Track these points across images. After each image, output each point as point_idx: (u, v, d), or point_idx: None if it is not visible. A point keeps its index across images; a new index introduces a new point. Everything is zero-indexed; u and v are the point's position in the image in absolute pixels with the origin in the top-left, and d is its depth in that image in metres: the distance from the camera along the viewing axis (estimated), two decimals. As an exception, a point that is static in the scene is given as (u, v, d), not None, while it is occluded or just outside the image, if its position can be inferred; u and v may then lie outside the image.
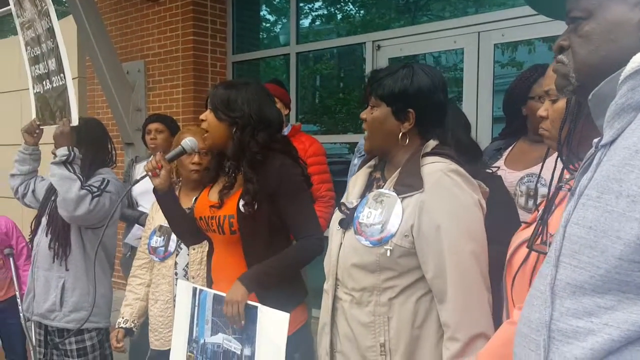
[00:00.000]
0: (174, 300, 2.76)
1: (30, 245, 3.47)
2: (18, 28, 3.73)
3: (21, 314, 3.74)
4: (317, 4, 6.32)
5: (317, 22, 6.40)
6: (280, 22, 6.88)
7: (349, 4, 6.12)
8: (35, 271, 3.27)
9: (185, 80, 6.29)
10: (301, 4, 6.21)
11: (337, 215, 2.00)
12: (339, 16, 6.20)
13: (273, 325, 2.10)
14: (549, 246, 1.22)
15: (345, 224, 1.93)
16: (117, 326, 2.96)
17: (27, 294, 3.35)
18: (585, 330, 0.91)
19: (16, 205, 3.65)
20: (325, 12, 6.29)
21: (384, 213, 1.80)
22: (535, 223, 1.57)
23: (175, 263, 2.85)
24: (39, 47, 3.48)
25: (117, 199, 3.10)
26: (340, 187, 3.79)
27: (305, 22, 6.37)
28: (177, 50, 6.33)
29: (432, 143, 1.89)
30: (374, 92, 1.89)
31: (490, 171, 2.48)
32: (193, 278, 2.77)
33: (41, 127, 3.53)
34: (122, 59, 6.57)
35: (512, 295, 1.57)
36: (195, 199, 2.58)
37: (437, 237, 1.72)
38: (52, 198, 3.29)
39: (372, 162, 2.06)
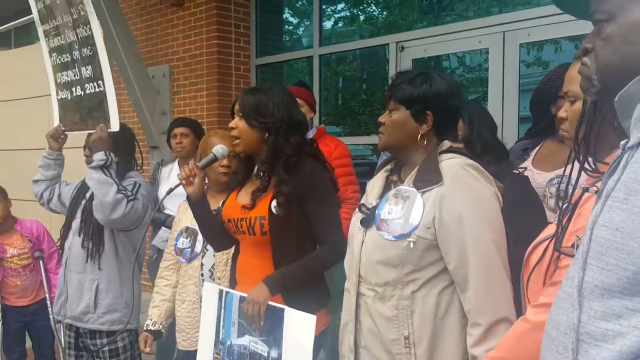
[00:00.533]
0: (201, 301, 2.79)
1: (60, 250, 3.51)
2: (41, 36, 3.78)
3: (51, 317, 3.80)
4: (339, 6, 6.32)
5: (340, 24, 6.40)
6: (303, 25, 6.89)
7: (372, 5, 6.11)
8: (68, 274, 3.31)
9: (209, 84, 6.34)
10: (324, 6, 6.22)
11: (358, 216, 2.06)
12: (362, 17, 6.19)
13: (300, 327, 2.11)
14: (576, 248, 1.22)
15: (366, 223, 2.00)
16: (145, 328, 2.99)
17: (59, 297, 3.39)
18: (614, 332, 0.90)
19: (45, 210, 3.71)
20: (348, 14, 6.28)
21: (404, 208, 1.88)
22: (552, 224, 1.59)
23: (202, 264, 2.88)
24: (69, 54, 3.52)
25: (147, 202, 3.18)
26: (365, 189, 3.79)
27: (328, 24, 6.37)
28: (201, 54, 6.38)
29: (447, 143, 2.00)
30: (393, 96, 2.00)
31: (517, 171, 2.46)
32: (219, 279, 2.80)
33: (66, 133, 3.58)
34: (147, 63, 6.64)
35: (528, 293, 1.59)
36: (223, 202, 2.61)
37: (459, 227, 1.79)
38: (82, 201, 3.35)
39: (388, 167, 2.14)
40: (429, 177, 1.88)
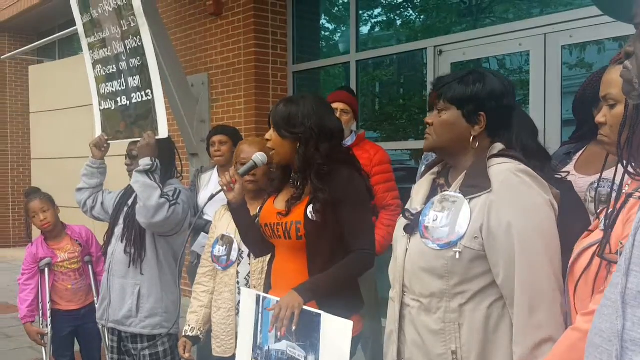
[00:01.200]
0: (236, 309, 2.83)
1: (103, 256, 3.58)
2: (85, 48, 3.89)
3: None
4: (376, 11, 6.31)
5: (377, 29, 6.38)
6: (339, 31, 6.90)
7: (409, 9, 6.08)
8: (111, 279, 3.39)
9: (247, 92, 6.40)
10: (361, 12, 6.22)
11: (401, 222, 1.99)
12: (399, 22, 6.17)
13: (336, 332, 2.10)
14: (620, 255, 1.19)
15: (410, 229, 1.92)
16: (183, 334, 3.02)
17: (102, 301, 3.47)
18: None
19: (89, 218, 3.80)
20: (385, 19, 6.26)
21: (450, 215, 1.79)
22: (597, 230, 1.55)
23: (237, 272, 2.90)
24: (114, 65, 3.63)
25: (188, 208, 3.25)
26: (403, 194, 3.76)
27: (365, 30, 6.37)
28: (239, 62, 6.45)
29: (498, 146, 1.90)
30: (443, 96, 1.90)
31: (560, 176, 2.40)
32: (254, 287, 2.82)
33: (109, 142, 3.68)
34: (186, 72, 6.74)
35: (575, 302, 1.55)
36: (260, 207, 2.64)
37: (507, 236, 1.70)
38: (125, 208, 3.43)
39: (435, 169, 2.05)
40: (477, 183, 1.79)
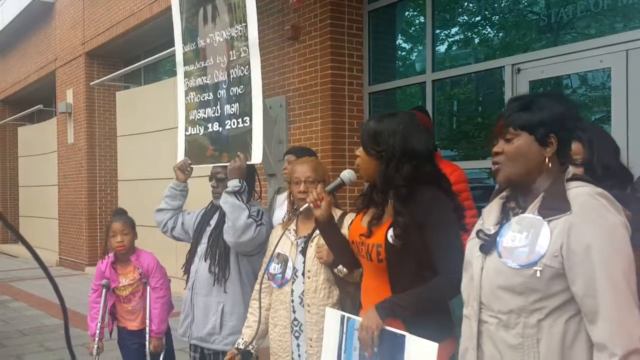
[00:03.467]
0: (291, 326, 2.91)
1: (185, 274, 3.67)
2: (181, 76, 4.10)
3: (146, 342, 3.96)
4: (453, 30, 6.28)
5: (454, 48, 6.35)
6: (416, 50, 6.91)
7: (487, 27, 6.03)
8: (194, 297, 3.50)
9: (323, 113, 6.49)
10: (437, 31, 6.22)
11: (475, 242, 2.03)
12: (476, 40, 6.13)
13: (421, 354, 2.11)
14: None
15: (486, 249, 1.96)
16: (235, 346, 3.08)
17: (184, 319, 3.57)
18: None
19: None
20: (462, 37, 6.23)
21: (530, 236, 1.84)
22: None
23: (292, 290, 2.93)
24: (211, 92, 3.82)
25: (270, 229, 3.34)
26: (481, 214, 3.72)
27: (442, 48, 6.35)
28: (315, 84, 6.55)
29: (571, 169, 1.96)
30: (512, 124, 1.95)
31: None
32: (308, 306, 2.85)
33: (192, 166, 3.83)
34: (265, 95, 6.87)
35: None
36: (351, 222, 2.67)
37: (587, 256, 1.75)
38: (207, 228, 3.55)
39: (504, 193, 2.08)
40: (557, 205, 1.84)
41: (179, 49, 4.13)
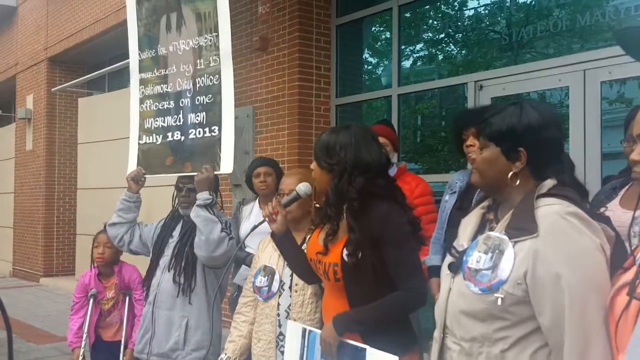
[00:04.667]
0: (277, 341, 2.80)
1: (144, 287, 3.58)
2: (136, 83, 4.01)
3: (120, 354, 3.88)
4: (418, 46, 6.44)
5: (419, 63, 6.51)
6: (382, 65, 7.04)
7: (451, 44, 6.19)
8: (156, 311, 3.39)
9: (290, 124, 6.53)
10: (403, 47, 6.36)
11: (447, 259, 1.92)
12: (441, 57, 6.29)
13: None
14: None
15: (454, 268, 1.85)
16: None
17: (143, 334, 3.47)
18: None
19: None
20: (427, 53, 6.39)
21: (494, 258, 1.71)
22: (632, 268, 1.53)
23: (278, 304, 2.85)
24: (172, 101, 3.75)
25: (237, 241, 3.30)
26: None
27: (407, 64, 6.49)
28: (283, 95, 6.60)
29: (548, 183, 1.78)
30: (482, 132, 1.86)
31: (599, 212, 2.45)
32: (295, 320, 2.74)
33: (145, 176, 3.75)
34: (232, 104, 6.91)
35: (617, 342, 1.51)
36: (309, 238, 2.62)
37: (555, 287, 1.60)
38: (169, 239, 3.48)
39: (485, 203, 1.97)
40: (523, 225, 1.68)
41: (134, 55, 4.03)
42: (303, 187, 2.58)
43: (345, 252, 2.27)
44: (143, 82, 3.98)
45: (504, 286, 1.66)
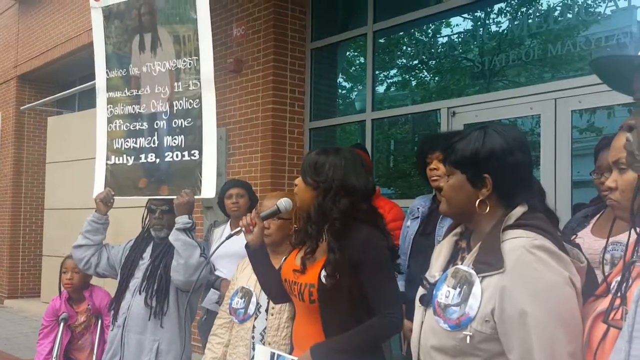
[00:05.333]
0: None
1: (113, 310, 3.52)
2: (103, 102, 3.92)
3: None
4: (392, 72, 6.49)
5: (393, 89, 6.56)
6: (356, 89, 7.08)
7: (424, 71, 6.26)
8: (125, 335, 3.32)
9: (263, 147, 6.51)
10: (377, 72, 6.40)
11: (420, 291, 1.88)
12: (414, 83, 6.34)
13: None
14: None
15: (425, 302, 1.82)
16: None
17: (111, 358, 3.40)
18: None
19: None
20: (401, 79, 6.44)
21: (462, 293, 1.68)
22: (603, 295, 1.53)
23: (254, 326, 2.83)
24: (146, 122, 3.69)
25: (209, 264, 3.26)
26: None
27: (381, 89, 6.54)
28: (257, 117, 6.59)
29: (517, 212, 1.73)
30: (447, 159, 1.84)
31: (570, 239, 2.47)
32: (269, 344, 2.74)
33: (115, 197, 3.68)
34: (205, 126, 6.87)
35: None
36: (285, 258, 2.61)
37: (522, 324, 1.57)
38: (139, 261, 3.42)
39: (457, 230, 1.93)
40: (490, 260, 1.65)
41: (101, 73, 3.96)
42: (284, 202, 2.58)
43: (323, 273, 2.26)
44: (112, 101, 3.90)
45: (472, 323, 1.64)
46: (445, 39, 5.88)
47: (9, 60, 12.49)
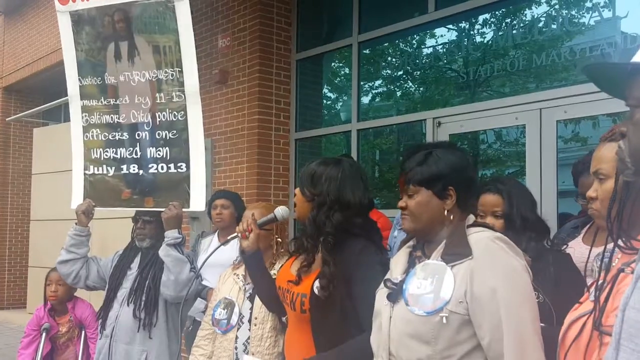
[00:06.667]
0: None
1: (100, 319, 3.51)
2: (77, 110, 3.82)
3: None
4: (377, 82, 6.50)
5: (378, 99, 6.56)
6: (341, 100, 7.08)
7: (409, 81, 6.27)
8: (113, 345, 3.30)
9: (249, 157, 6.50)
10: (362, 82, 6.41)
11: (383, 292, 1.99)
12: (399, 93, 6.35)
13: None
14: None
15: (393, 298, 1.93)
16: None
17: None
18: None
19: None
20: (386, 90, 6.45)
21: (434, 282, 1.83)
22: (588, 301, 1.56)
23: (237, 337, 2.82)
24: (126, 132, 3.62)
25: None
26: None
27: (366, 100, 6.54)
28: (242, 128, 6.57)
29: (471, 217, 2.01)
30: (411, 181, 1.97)
31: (561, 249, 2.48)
32: (252, 354, 2.73)
33: (97, 209, 3.62)
34: (191, 137, 6.84)
35: None
36: (281, 265, 2.62)
37: (492, 299, 1.75)
38: (127, 271, 3.40)
39: (410, 243, 2.09)
40: (459, 251, 1.85)
41: (72, 81, 3.87)
42: (281, 211, 2.60)
43: (316, 284, 2.26)
44: (87, 110, 3.80)
45: (447, 306, 1.79)
46: (430, 49, 5.89)
47: (-6, 71, 12.42)
